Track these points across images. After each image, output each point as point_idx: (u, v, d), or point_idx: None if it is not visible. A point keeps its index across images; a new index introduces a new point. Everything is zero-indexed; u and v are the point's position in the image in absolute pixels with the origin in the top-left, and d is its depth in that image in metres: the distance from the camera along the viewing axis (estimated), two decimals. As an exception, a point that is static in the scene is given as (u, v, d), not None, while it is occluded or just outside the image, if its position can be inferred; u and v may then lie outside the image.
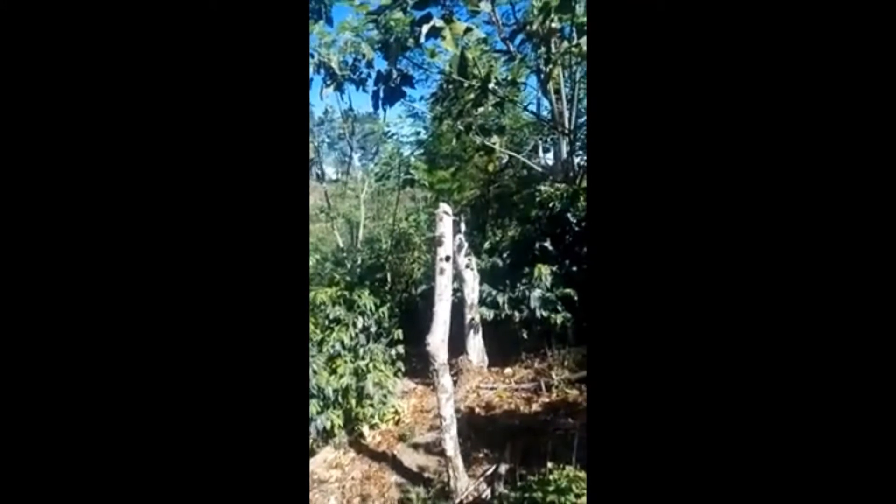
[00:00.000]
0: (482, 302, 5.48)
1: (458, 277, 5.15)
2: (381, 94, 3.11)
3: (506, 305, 5.35)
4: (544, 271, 5.14)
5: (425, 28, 2.43)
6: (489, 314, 5.41)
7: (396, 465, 4.04)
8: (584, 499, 2.32)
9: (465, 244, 5.34)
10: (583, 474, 2.53)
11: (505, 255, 5.84)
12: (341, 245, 8.10)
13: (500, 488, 3.28)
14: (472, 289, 5.40)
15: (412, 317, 5.79)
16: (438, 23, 2.41)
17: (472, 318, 5.39)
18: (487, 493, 3.36)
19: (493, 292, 5.47)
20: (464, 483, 3.41)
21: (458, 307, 4.76)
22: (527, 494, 2.58)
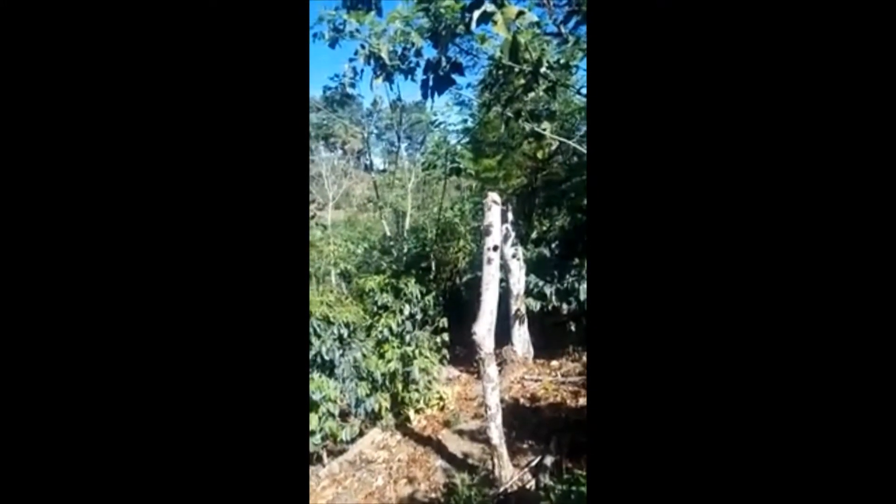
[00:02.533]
0: (528, 293, 5.41)
1: (503, 267, 5.10)
2: (431, 83, 3.10)
3: (553, 297, 5.25)
4: (594, 262, 4.97)
5: (476, 13, 2.38)
6: (535, 305, 5.33)
7: (441, 450, 4.13)
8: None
9: (512, 234, 5.27)
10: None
11: (553, 246, 5.70)
12: (388, 234, 8.27)
13: (546, 480, 3.26)
14: (518, 279, 5.34)
15: (456, 306, 5.83)
16: (490, 7, 2.36)
17: (518, 309, 5.33)
18: (532, 484, 3.35)
19: (541, 283, 5.38)
20: (508, 472, 3.42)
21: (502, 297, 4.73)
22: (574, 488, 2.54)
